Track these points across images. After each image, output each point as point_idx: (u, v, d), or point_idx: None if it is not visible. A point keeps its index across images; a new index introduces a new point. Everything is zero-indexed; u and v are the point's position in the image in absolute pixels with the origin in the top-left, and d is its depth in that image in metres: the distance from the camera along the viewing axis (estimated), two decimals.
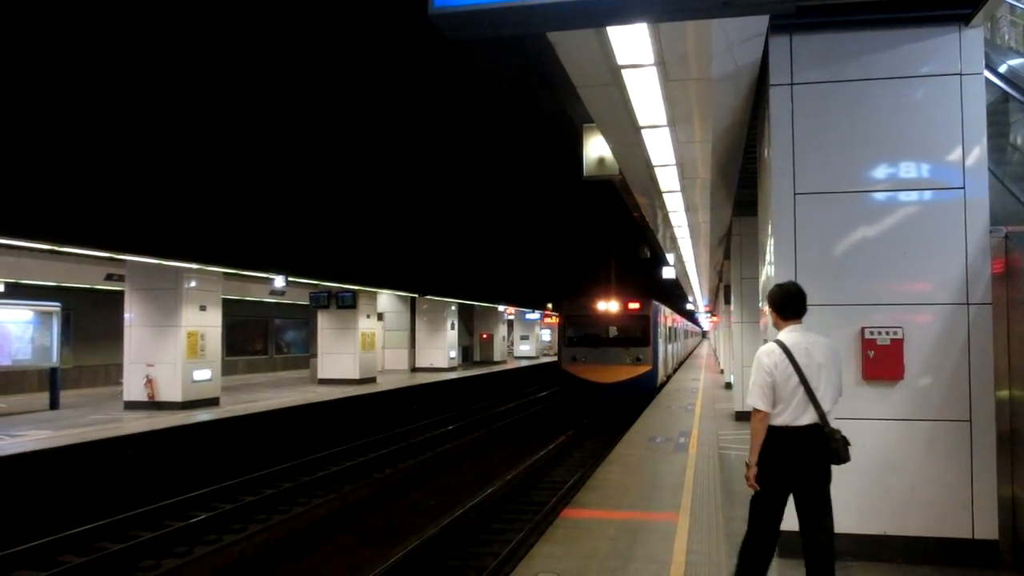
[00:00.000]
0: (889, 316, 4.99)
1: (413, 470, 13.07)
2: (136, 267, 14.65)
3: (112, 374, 19.43)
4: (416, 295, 26.02)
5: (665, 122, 6.61)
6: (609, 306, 18.15)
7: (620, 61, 5.17)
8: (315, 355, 21.71)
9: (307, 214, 17.97)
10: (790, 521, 3.97)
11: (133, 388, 14.54)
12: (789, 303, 4.03)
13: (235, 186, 15.45)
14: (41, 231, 10.68)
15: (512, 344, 42.27)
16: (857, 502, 4.92)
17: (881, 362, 4.94)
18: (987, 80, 5.37)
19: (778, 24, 5.13)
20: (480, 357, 34.74)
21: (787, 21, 5.11)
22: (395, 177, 20.84)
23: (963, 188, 4.96)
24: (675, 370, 26.39)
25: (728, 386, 17.26)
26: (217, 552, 8.15)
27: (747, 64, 5.51)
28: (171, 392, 14.35)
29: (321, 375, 21.13)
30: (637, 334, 17.97)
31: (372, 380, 21.48)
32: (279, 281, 18.25)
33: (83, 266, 16.28)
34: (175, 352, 14.43)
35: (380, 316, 25.00)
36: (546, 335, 46.19)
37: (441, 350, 27.48)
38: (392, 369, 28.20)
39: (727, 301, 15.73)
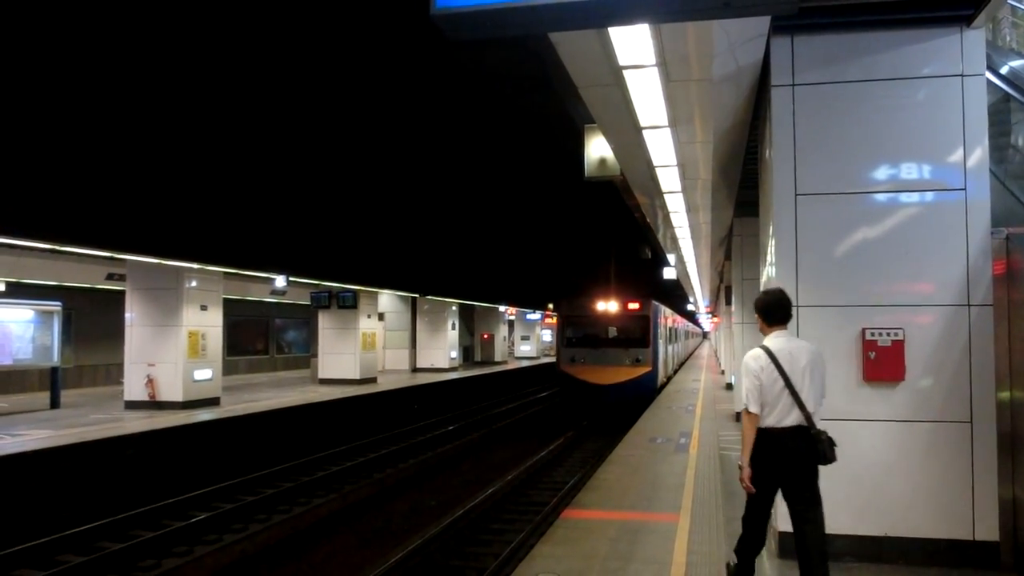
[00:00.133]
0: (890, 317, 4.99)
1: (414, 470, 13.08)
2: (137, 267, 14.67)
3: (113, 374, 19.44)
4: (417, 295, 26.02)
5: (666, 123, 6.60)
6: (608, 306, 17.96)
7: (621, 62, 5.17)
8: (316, 355, 21.73)
9: (308, 214, 17.95)
10: (790, 522, 4.02)
11: (134, 388, 14.56)
12: (774, 309, 4.21)
13: (236, 186, 15.45)
14: (42, 231, 10.68)
15: (513, 344, 42.28)
16: (858, 503, 4.94)
17: (882, 363, 4.94)
18: (988, 81, 5.37)
19: (780, 25, 5.13)
20: (481, 357, 34.75)
21: (788, 22, 5.11)
22: (396, 177, 20.82)
23: (964, 189, 4.96)
24: (675, 371, 26.31)
25: (729, 387, 17.24)
26: (217, 552, 8.16)
27: (748, 65, 5.51)
28: (172, 392, 14.37)
29: (322, 375, 21.14)
30: (637, 335, 17.83)
31: (373, 380, 21.49)
32: (280, 281, 18.26)
33: (84, 266, 16.30)
34: (176, 352, 14.45)
35: (381, 316, 25.00)
36: (547, 335, 46.14)
37: (442, 350, 27.47)
38: (393, 369, 28.21)
39: (728, 302, 15.73)
